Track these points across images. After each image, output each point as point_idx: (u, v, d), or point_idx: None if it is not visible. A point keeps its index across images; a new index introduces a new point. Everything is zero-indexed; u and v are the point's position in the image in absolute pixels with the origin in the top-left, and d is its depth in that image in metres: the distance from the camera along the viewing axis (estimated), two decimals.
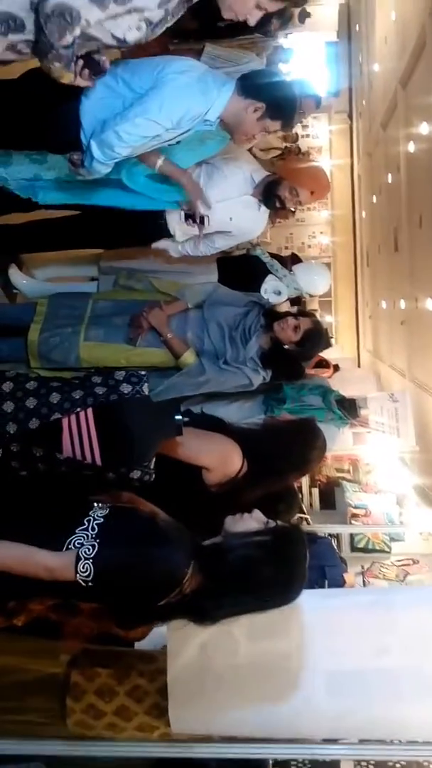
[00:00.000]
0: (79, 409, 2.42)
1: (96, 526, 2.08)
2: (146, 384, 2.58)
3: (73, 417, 2.40)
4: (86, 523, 2.09)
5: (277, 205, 3.84)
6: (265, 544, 2.19)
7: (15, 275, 4.43)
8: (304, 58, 8.96)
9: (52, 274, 4.64)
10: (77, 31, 2.20)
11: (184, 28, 3.65)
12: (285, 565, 2.19)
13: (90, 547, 2.03)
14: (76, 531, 2.08)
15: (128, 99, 2.81)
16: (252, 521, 2.28)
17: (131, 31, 2.32)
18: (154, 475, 2.51)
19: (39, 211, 3.84)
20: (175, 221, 3.80)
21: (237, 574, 2.13)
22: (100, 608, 2.75)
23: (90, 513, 2.14)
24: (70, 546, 2.05)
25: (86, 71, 2.43)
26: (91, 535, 2.06)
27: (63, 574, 2.04)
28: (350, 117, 12.14)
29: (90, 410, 2.42)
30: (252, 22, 2.62)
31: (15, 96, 2.66)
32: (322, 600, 2.73)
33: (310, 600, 2.46)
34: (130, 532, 2.12)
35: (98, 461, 2.38)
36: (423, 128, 6.46)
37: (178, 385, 3.62)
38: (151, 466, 2.50)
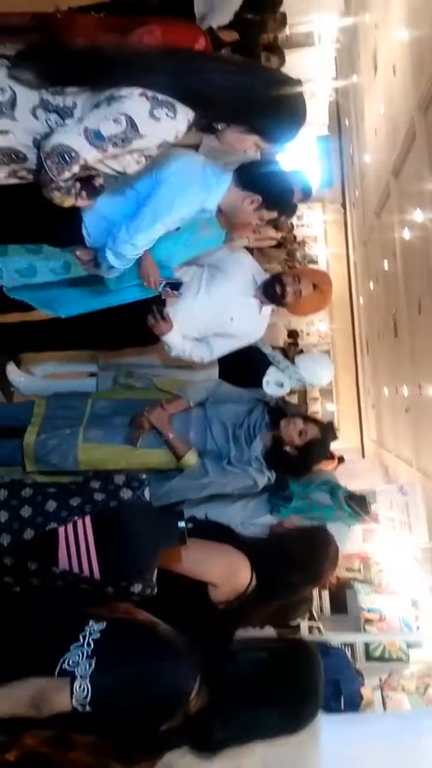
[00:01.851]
0: (76, 517, 2.33)
1: (92, 642, 1.96)
2: (147, 489, 2.49)
3: (70, 526, 2.32)
4: (81, 639, 1.96)
5: (278, 290, 3.73)
6: (277, 650, 2.02)
7: (12, 373, 4.36)
8: (297, 151, 9.13)
9: (51, 371, 4.57)
10: (76, 169, 2.27)
11: None
12: (297, 677, 2.03)
13: (86, 665, 1.90)
14: (71, 648, 1.94)
15: (131, 197, 2.83)
16: (263, 633, 2.12)
17: (131, 165, 2.38)
18: (156, 589, 2.37)
19: (37, 312, 3.82)
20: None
21: (246, 681, 1.99)
22: (98, 741, 2.53)
23: (85, 628, 2.00)
24: (64, 665, 1.91)
25: (84, 193, 2.48)
26: (87, 651, 1.93)
27: (57, 705, 1.85)
28: (344, 206, 12.38)
29: (88, 518, 2.33)
30: (251, 154, 2.69)
31: (12, 192, 2.62)
32: (342, 728, 2.50)
33: (328, 728, 2.24)
34: (128, 647, 1.99)
35: (97, 574, 2.27)
36: (417, 215, 6.52)
37: (180, 487, 3.47)
38: (153, 579, 2.38)
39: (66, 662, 1.92)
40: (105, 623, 2.03)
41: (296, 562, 2.77)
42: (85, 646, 1.95)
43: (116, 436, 3.55)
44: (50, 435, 3.52)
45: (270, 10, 5.63)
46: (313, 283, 3.81)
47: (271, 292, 3.75)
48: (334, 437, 3.79)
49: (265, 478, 3.52)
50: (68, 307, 3.60)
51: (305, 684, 2.05)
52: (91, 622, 2.02)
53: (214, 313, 3.64)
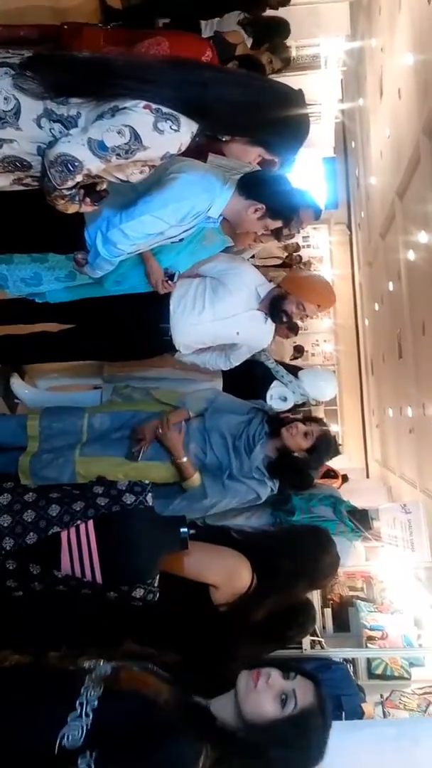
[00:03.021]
0: (79, 522, 2.32)
1: (90, 713, 1.81)
2: (150, 494, 2.48)
3: (72, 530, 2.31)
4: (79, 707, 1.82)
5: (284, 319, 3.78)
6: (284, 739, 1.93)
7: (16, 384, 4.33)
8: (303, 172, 9.20)
9: (55, 384, 4.55)
10: (79, 178, 2.27)
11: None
12: (304, 754, 1.95)
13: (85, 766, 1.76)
14: (68, 721, 1.80)
15: (131, 197, 2.81)
16: (269, 696, 1.96)
17: (134, 175, 2.39)
18: (158, 595, 2.35)
19: (41, 324, 3.86)
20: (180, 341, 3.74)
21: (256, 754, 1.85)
22: None
23: (81, 690, 1.86)
24: (64, 741, 1.76)
25: (88, 199, 2.49)
26: (86, 725, 1.78)
27: None
28: (349, 228, 12.45)
29: (90, 522, 2.32)
30: (255, 166, 2.71)
31: (17, 199, 2.65)
32: (342, 733, 2.47)
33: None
34: (128, 729, 1.82)
35: (98, 579, 2.26)
36: (422, 237, 6.55)
37: (182, 510, 3.39)
38: (155, 584, 2.35)
39: (66, 738, 1.78)
40: (101, 688, 1.88)
41: (296, 554, 2.75)
42: (83, 716, 1.81)
43: (114, 449, 3.50)
44: (46, 450, 3.48)
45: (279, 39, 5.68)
46: (317, 304, 3.84)
47: (278, 321, 3.79)
48: (337, 448, 3.80)
49: (267, 488, 3.49)
50: (56, 293, 3.58)
51: (313, 753, 1.99)
52: (86, 680, 1.88)
53: (220, 329, 3.68)
